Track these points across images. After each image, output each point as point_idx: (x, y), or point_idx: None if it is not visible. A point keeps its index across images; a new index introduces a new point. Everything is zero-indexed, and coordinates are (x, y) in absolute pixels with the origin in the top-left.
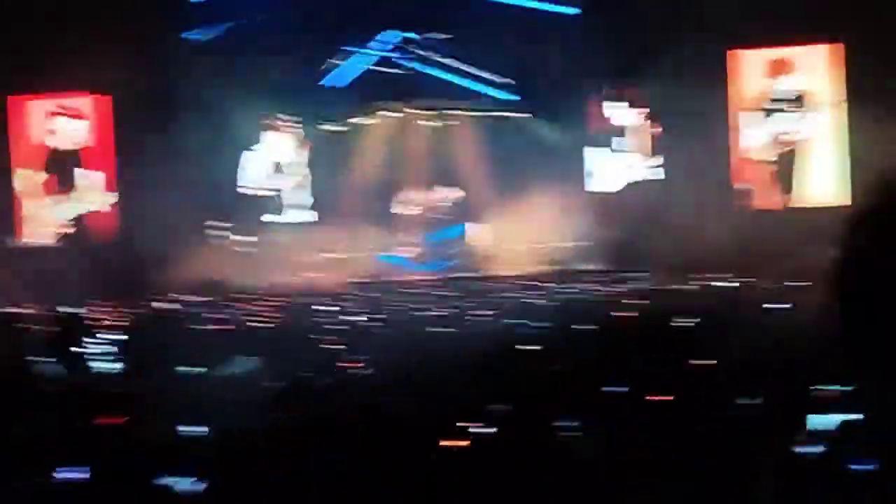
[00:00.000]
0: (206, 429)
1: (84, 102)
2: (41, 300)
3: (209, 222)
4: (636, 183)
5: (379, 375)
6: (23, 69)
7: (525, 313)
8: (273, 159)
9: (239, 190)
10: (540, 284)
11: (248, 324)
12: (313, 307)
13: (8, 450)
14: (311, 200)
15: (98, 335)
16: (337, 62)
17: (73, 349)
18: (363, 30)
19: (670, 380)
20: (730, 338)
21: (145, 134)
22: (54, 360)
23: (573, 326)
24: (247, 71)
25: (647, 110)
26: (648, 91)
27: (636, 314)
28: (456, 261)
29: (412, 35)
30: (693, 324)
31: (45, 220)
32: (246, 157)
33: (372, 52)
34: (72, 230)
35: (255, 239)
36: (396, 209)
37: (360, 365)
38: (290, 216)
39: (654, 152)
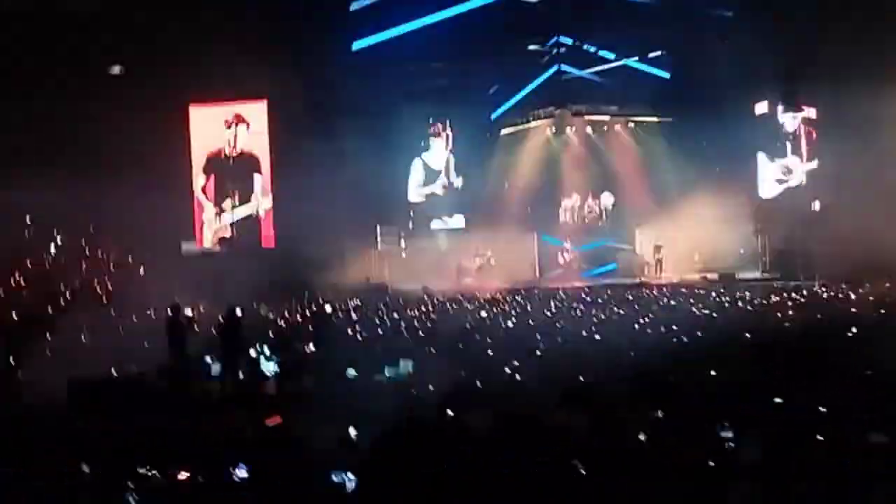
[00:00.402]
0: (362, 431)
1: (257, 108)
2: (212, 302)
3: (378, 227)
4: (799, 189)
5: (539, 382)
6: (200, 79)
7: (686, 320)
8: (438, 166)
9: (409, 197)
10: (701, 291)
11: (411, 327)
12: (474, 312)
13: (174, 446)
14: (469, 207)
15: (262, 337)
16: (500, 72)
17: (236, 349)
18: (526, 39)
19: (836, 389)
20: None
21: (313, 141)
22: (220, 360)
23: (737, 334)
24: (413, 79)
25: (815, 116)
26: (817, 96)
27: (803, 323)
28: (615, 267)
29: (569, 41)
30: (860, 333)
31: (219, 225)
32: (415, 164)
33: (533, 61)
34: (241, 234)
35: (422, 244)
36: (557, 214)
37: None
38: (454, 222)
39: (817, 158)
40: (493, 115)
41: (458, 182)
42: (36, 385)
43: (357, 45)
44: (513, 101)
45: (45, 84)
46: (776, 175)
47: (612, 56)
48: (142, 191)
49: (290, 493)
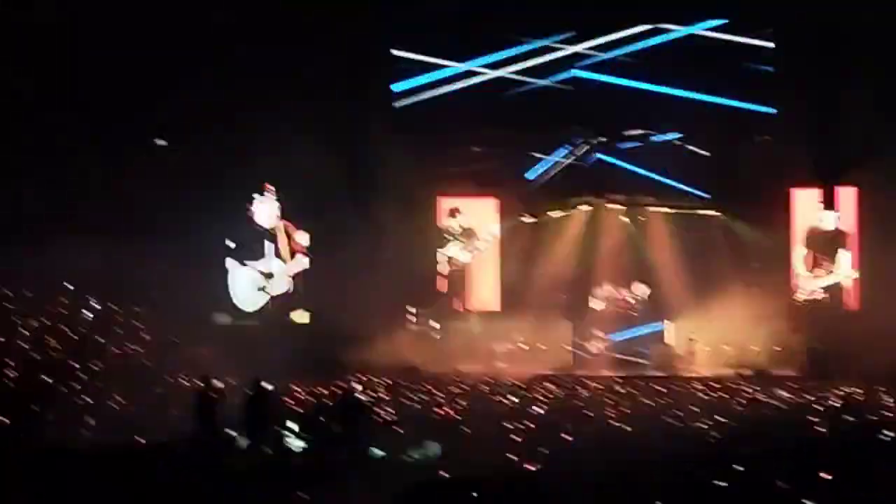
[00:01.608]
0: None
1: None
2: (241, 375)
3: (408, 307)
4: (836, 288)
5: (561, 473)
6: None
7: (716, 415)
8: (467, 249)
9: (437, 275)
10: (733, 387)
11: (437, 410)
12: (501, 397)
13: None
14: (500, 290)
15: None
16: (538, 156)
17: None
18: (563, 128)
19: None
20: None
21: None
22: (247, 434)
23: (766, 433)
24: (448, 158)
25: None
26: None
27: (830, 425)
28: (647, 359)
29: (607, 136)
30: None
31: None
32: (446, 245)
33: (569, 148)
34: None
35: (448, 326)
36: (589, 303)
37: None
38: (481, 304)
39: (856, 258)
40: (530, 200)
41: (486, 266)
42: (62, 452)
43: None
44: (550, 187)
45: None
46: (810, 274)
47: (649, 147)
48: (175, 259)
49: None
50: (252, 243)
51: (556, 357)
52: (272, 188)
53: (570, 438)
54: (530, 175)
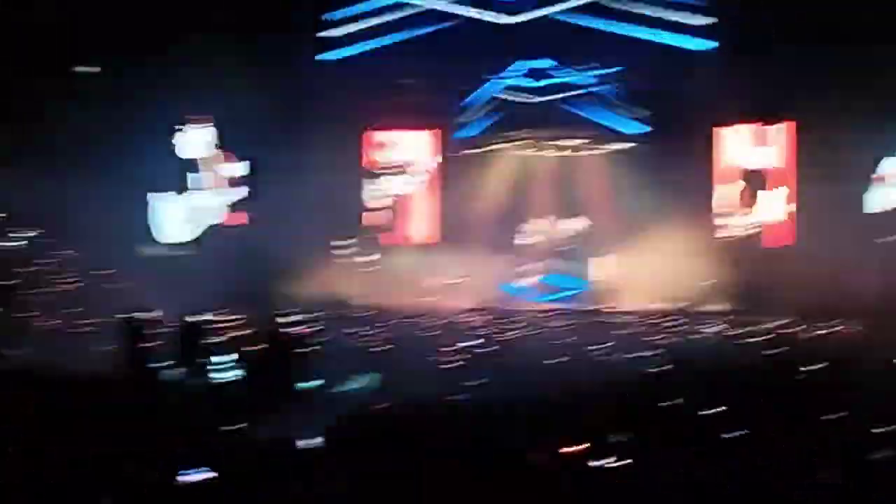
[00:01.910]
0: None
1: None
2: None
3: (333, 242)
4: (768, 223)
5: (490, 405)
6: None
7: (642, 349)
8: (401, 180)
9: (367, 208)
10: (660, 322)
11: (368, 342)
12: (431, 330)
13: (134, 451)
14: (432, 224)
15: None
16: (470, 88)
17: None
18: (496, 58)
19: (787, 426)
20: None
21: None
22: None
23: (690, 366)
24: (381, 91)
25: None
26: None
27: (758, 357)
28: (576, 292)
29: (544, 64)
30: (818, 370)
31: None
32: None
33: (504, 79)
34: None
35: (378, 258)
36: (520, 238)
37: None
38: (414, 237)
39: (786, 188)
40: (464, 135)
41: (418, 197)
42: None
43: (323, 56)
44: (485, 122)
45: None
46: (740, 208)
47: (585, 80)
48: (103, 190)
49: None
50: (182, 173)
51: (488, 291)
52: (209, 117)
53: (501, 371)
54: (465, 108)
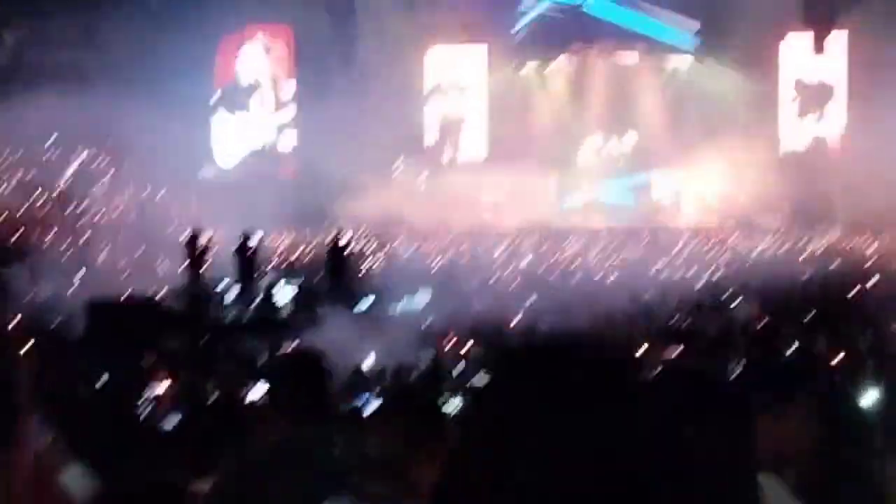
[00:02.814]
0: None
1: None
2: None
3: (396, 159)
4: (824, 136)
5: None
6: None
7: (702, 266)
8: (455, 98)
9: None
10: (717, 238)
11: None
12: (487, 249)
13: (189, 372)
14: (488, 142)
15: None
16: (526, 4)
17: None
18: None
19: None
20: None
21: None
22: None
23: (753, 283)
24: (436, 6)
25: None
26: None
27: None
28: (631, 208)
29: None
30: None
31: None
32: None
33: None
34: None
35: (436, 178)
36: (575, 154)
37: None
38: (470, 156)
39: (840, 104)
40: (517, 51)
41: (474, 116)
42: (54, 306)
43: None
44: (537, 36)
45: None
46: (797, 121)
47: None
48: (159, 111)
49: (307, 418)
50: (237, 94)
51: (543, 208)
52: (261, 36)
53: (556, 290)
54: (518, 24)
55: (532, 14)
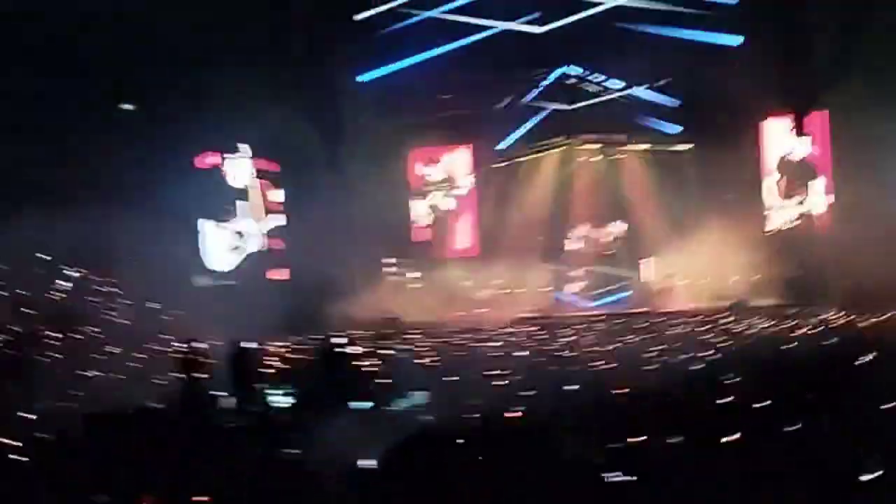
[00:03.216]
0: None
1: None
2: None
3: (386, 259)
4: (810, 214)
5: (544, 413)
6: None
7: (696, 348)
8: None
9: (414, 225)
10: (711, 319)
11: (419, 359)
12: (483, 343)
13: (185, 478)
14: (478, 236)
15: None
16: (505, 101)
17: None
18: (529, 69)
19: (845, 417)
20: None
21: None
22: (233, 393)
23: (746, 362)
24: (419, 108)
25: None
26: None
27: (812, 350)
28: (625, 296)
29: (577, 70)
30: (871, 359)
31: None
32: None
33: (538, 88)
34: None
35: (428, 275)
36: (565, 244)
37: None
38: (460, 251)
39: (829, 183)
40: (503, 146)
41: (461, 211)
42: (48, 419)
43: (362, 77)
44: (522, 131)
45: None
46: (783, 202)
47: (620, 84)
48: (149, 223)
49: None
50: (225, 203)
51: (536, 299)
52: (246, 147)
53: (554, 381)
54: (502, 119)
55: (514, 110)
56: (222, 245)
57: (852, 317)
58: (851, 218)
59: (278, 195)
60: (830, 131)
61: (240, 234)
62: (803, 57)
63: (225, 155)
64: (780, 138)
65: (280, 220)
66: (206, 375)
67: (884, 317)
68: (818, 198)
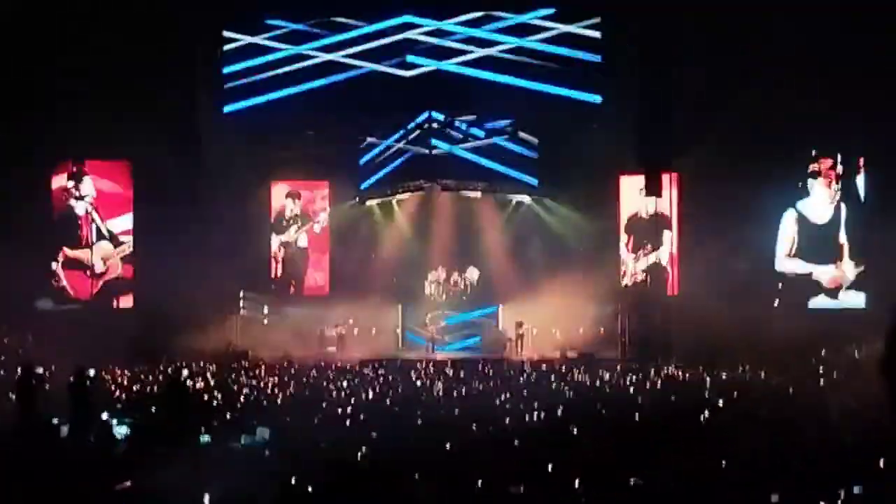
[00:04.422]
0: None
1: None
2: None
3: (242, 293)
4: (656, 271)
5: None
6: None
7: (540, 397)
8: (302, 232)
9: (271, 260)
10: (558, 370)
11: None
12: (330, 382)
13: None
14: (331, 275)
15: (115, 400)
16: (370, 141)
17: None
18: (395, 112)
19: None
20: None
21: (178, 205)
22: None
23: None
24: (280, 146)
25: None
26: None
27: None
28: (478, 341)
29: (440, 117)
30: (710, 415)
31: None
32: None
33: (401, 133)
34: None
35: (279, 311)
36: (418, 287)
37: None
38: (314, 289)
39: (677, 245)
40: (363, 186)
41: (315, 251)
42: None
43: (228, 108)
44: (382, 172)
45: None
46: (632, 257)
47: (482, 133)
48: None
49: None
50: (70, 229)
51: (387, 341)
52: (90, 174)
53: (399, 421)
54: (363, 159)
55: (376, 150)
56: (72, 269)
57: (694, 371)
58: (696, 274)
59: (125, 221)
60: (680, 191)
61: (87, 259)
62: (658, 120)
63: (75, 171)
64: (632, 196)
65: (125, 248)
66: (42, 401)
67: (725, 372)
68: (664, 254)
